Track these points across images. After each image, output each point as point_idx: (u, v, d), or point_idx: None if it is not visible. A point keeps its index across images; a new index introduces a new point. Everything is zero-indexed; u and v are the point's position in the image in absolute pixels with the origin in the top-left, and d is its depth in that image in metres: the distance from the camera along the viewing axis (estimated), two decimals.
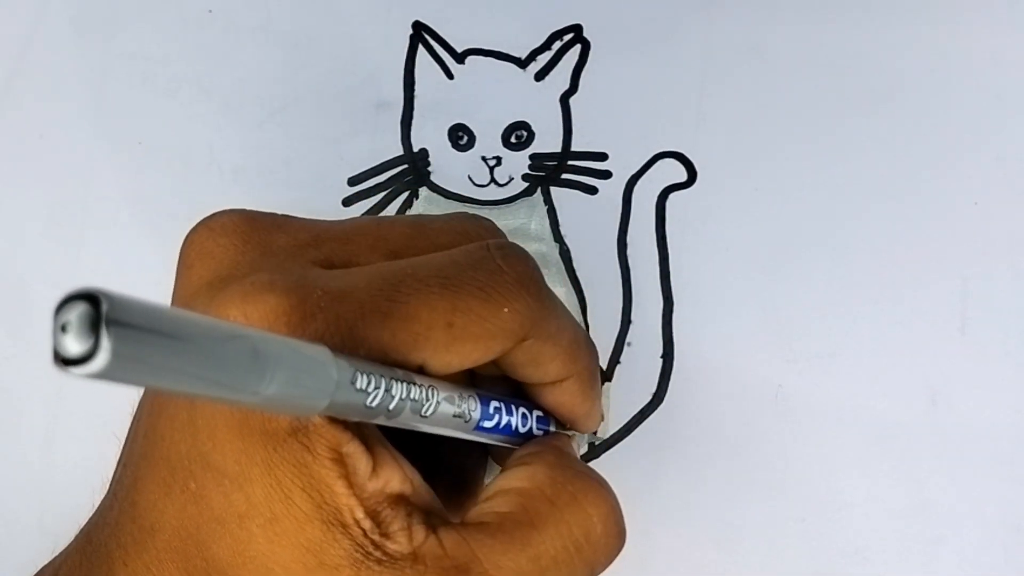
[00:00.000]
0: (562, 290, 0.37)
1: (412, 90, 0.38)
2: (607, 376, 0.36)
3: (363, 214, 0.38)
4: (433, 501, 0.25)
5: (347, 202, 0.38)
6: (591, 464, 0.35)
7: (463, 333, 0.24)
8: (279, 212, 0.27)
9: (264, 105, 0.38)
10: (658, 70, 0.38)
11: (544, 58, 0.38)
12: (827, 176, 0.37)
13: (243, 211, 0.26)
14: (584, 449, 0.35)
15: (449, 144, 0.38)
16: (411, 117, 0.38)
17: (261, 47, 0.39)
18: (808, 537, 0.35)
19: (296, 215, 0.27)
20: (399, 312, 0.23)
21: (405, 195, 0.38)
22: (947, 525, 0.34)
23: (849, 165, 0.37)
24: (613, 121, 0.37)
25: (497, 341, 0.25)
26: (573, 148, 0.37)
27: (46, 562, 0.28)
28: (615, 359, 0.36)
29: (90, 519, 0.28)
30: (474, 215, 0.28)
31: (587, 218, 0.37)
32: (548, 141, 0.37)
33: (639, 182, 0.37)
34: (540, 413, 0.29)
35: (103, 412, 0.34)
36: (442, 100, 0.38)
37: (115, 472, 0.27)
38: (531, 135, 0.37)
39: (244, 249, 0.25)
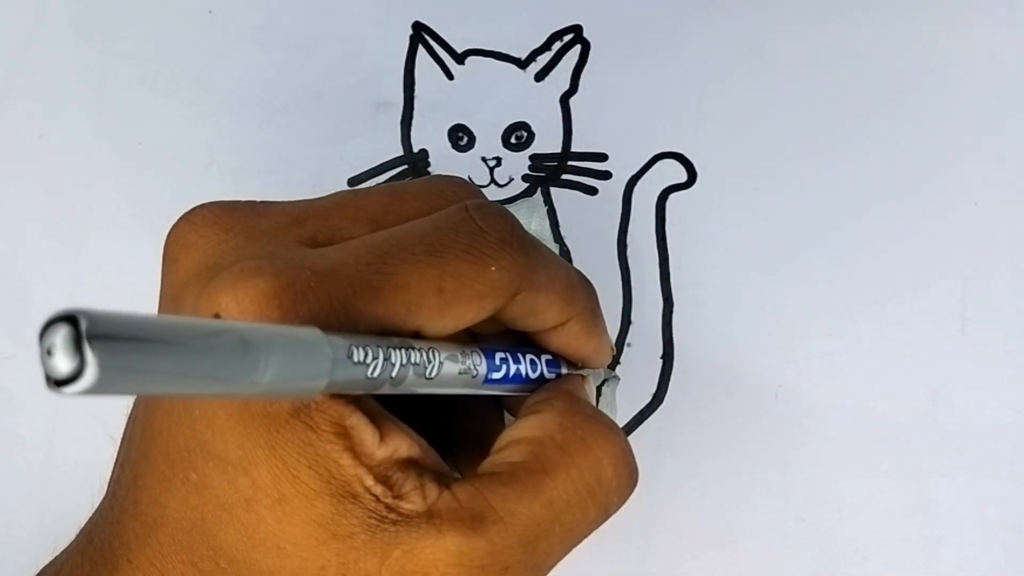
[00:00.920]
0: None
1: (412, 90, 0.38)
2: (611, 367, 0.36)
3: None
4: (442, 465, 0.25)
5: None
6: None
7: (454, 297, 0.24)
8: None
9: (264, 105, 0.38)
10: (658, 70, 0.38)
11: (544, 58, 0.38)
12: (827, 176, 0.37)
13: (221, 202, 0.26)
14: (600, 380, 0.35)
15: (449, 144, 0.38)
16: (411, 117, 0.38)
17: (261, 47, 0.39)
18: (808, 537, 0.35)
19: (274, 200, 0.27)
20: (389, 284, 0.24)
21: None
22: (947, 525, 0.34)
23: (849, 165, 0.37)
24: (613, 121, 0.37)
25: (489, 300, 0.25)
26: (573, 148, 0.37)
27: (46, 562, 0.28)
28: (615, 359, 0.36)
29: (90, 519, 0.28)
30: (448, 176, 0.29)
31: (587, 218, 0.37)
32: (548, 142, 0.37)
33: (639, 182, 0.37)
34: (549, 357, 0.29)
35: (103, 413, 0.34)
36: (442, 100, 0.38)
37: (113, 472, 0.27)
38: (531, 135, 0.37)
39: (226, 237, 0.25)
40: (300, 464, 0.23)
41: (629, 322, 0.36)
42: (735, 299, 0.36)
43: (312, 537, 0.23)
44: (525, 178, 0.37)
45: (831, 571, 0.34)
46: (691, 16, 0.38)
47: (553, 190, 0.37)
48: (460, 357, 0.26)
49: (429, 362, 0.24)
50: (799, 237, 0.36)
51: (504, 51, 0.38)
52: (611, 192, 0.37)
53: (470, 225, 0.25)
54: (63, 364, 0.15)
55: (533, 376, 0.28)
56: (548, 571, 0.26)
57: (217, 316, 0.22)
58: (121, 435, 0.28)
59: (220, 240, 0.25)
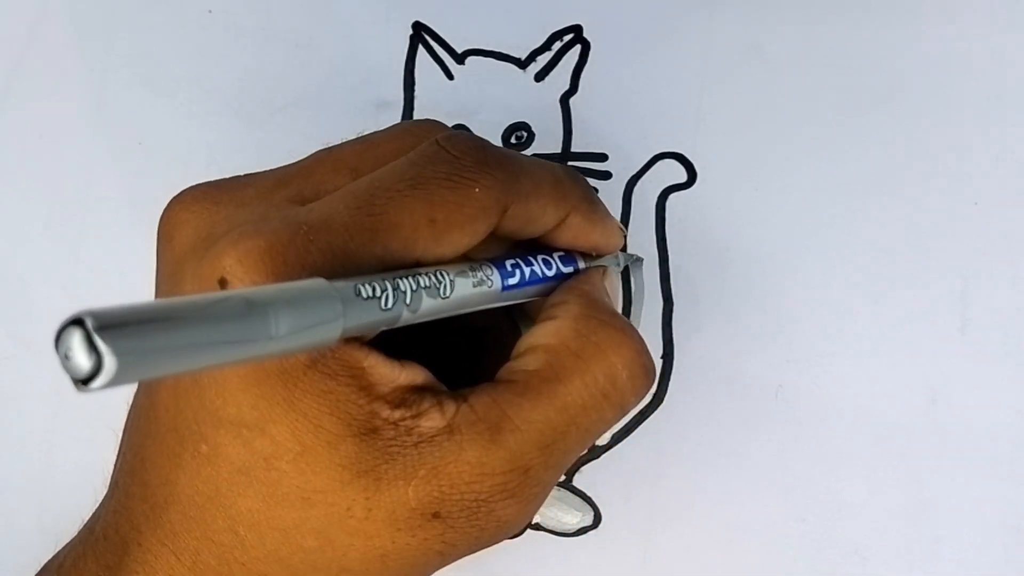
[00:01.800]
0: None
1: (412, 90, 0.38)
2: None
3: None
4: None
5: None
6: (590, 465, 0.35)
7: (446, 224, 0.25)
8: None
9: (264, 105, 0.38)
10: (658, 70, 0.38)
11: (544, 58, 0.38)
12: (827, 176, 0.37)
13: (207, 182, 0.27)
14: (623, 266, 0.35)
15: None
16: (411, 117, 0.38)
17: (261, 47, 0.39)
18: (808, 537, 0.35)
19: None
20: (383, 223, 0.24)
21: None
22: (947, 525, 0.34)
23: (849, 165, 0.37)
24: (613, 121, 0.37)
25: (480, 220, 0.26)
26: (573, 149, 0.37)
27: (46, 561, 0.28)
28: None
29: (93, 513, 0.28)
30: (416, 119, 0.29)
31: None
32: (548, 142, 0.37)
33: (639, 182, 0.37)
34: (562, 253, 0.29)
35: (103, 412, 0.34)
36: (442, 100, 0.38)
37: (116, 462, 0.27)
38: (531, 135, 0.37)
39: (216, 210, 0.26)
40: (321, 412, 0.23)
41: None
42: (735, 299, 0.36)
43: (337, 481, 0.23)
44: None
45: (831, 571, 0.34)
46: (691, 16, 0.38)
47: None
48: (470, 272, 0.26)
49: (440, 282, 0.25)
50: (799, 237, 0.36)
51: (504, 51, 0.38)
52: (611, 192, 0.37)
53: (445, 155, 0.26)
54: (82, 363, 0.15)
55: (549, 274, 0.29)
56: (568, 465, 0.27)
57: (223, 280, 0.23)
58: (123, 426, 0.28)
59: (211, 213, 0.26)
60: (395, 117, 0.38)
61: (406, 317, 0.24)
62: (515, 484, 0.25)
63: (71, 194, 0.38)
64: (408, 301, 0.23)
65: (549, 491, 0.27)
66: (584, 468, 0.36)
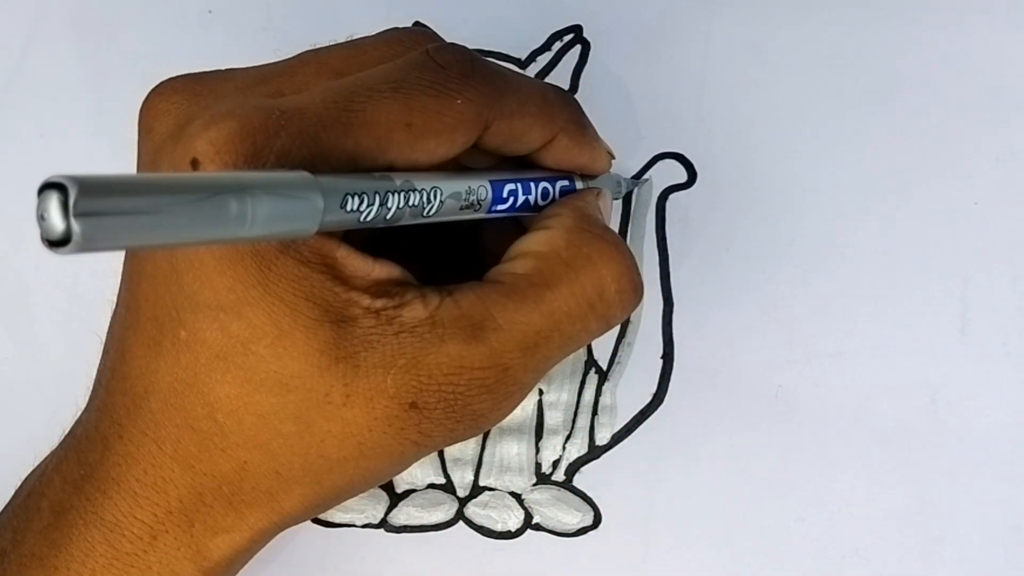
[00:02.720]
0: None
1: None
2: (605, 376, 0.36)
3: None
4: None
5: None
6: (590, 465, 0.35)
7: (423, 130, 0.25)
8: None
9: None
10: (658, 70, 0.38)
11: (544, 58, 0.38)
12: (827, 176, 0.37)
13: (187, 74, 0.27)
14: (623, 190, 0.35)
15: None
16: None
17: (261, 47, 0.39)
18: (808, 537, 0.35)
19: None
20: (357, 120, 0.24)
21: None
22: (947, 525, 0.34)
23: (849, 165, 0.37)
24: (613, 121, 0.37)
25: (459, 132, 0.26)
26: None
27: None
28: (615, 359, 0.36)
29: (75, 421, 0.28)
30: (406, 27, 0.29)
31: None
32: None
33: (639, 182, 0.37)
34: (564, 182, 0.29)
35: None
36: None
37: (99, 367, 0.27)
38: None
39: (196, 100, 0.26)
40: (297, 297, 0.23)
41: (629, 322, 0.36)
42: (735, 299, 0.36)
43: (315, 366, 0.24)
44: None
45: (831, 571, 0.34)
46: (691, 16, 0.38)
47: None
48: (464, 195, 0.26)
49: (429, 202, 0.25)
50: (799, 237, 0.36)
51: (504, 51, 0.38)
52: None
53: (431, 64, 0.26)
54: (56, 225, 0.16)
55: (543, 204, 0.29)
56: (548, 370, 0.27)
57: (194, 161, 0.23)
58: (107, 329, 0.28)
59: (190, 103, 0.26)
60: None
61: (379, 225, 0.24)
62: (493, 380, 0.25)
63: None
64: (388, 217, 0.23)
65: (527, 392, 0.27)
66: (584, 468, 0.36)
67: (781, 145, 0.37)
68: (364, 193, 0.23)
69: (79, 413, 0.28)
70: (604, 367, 0.36)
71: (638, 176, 0.37)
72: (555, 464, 0.35)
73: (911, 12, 0.37)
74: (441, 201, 0.25)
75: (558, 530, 0.35)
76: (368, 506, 0.35)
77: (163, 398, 0.25)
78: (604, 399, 0.36)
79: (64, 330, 0.37)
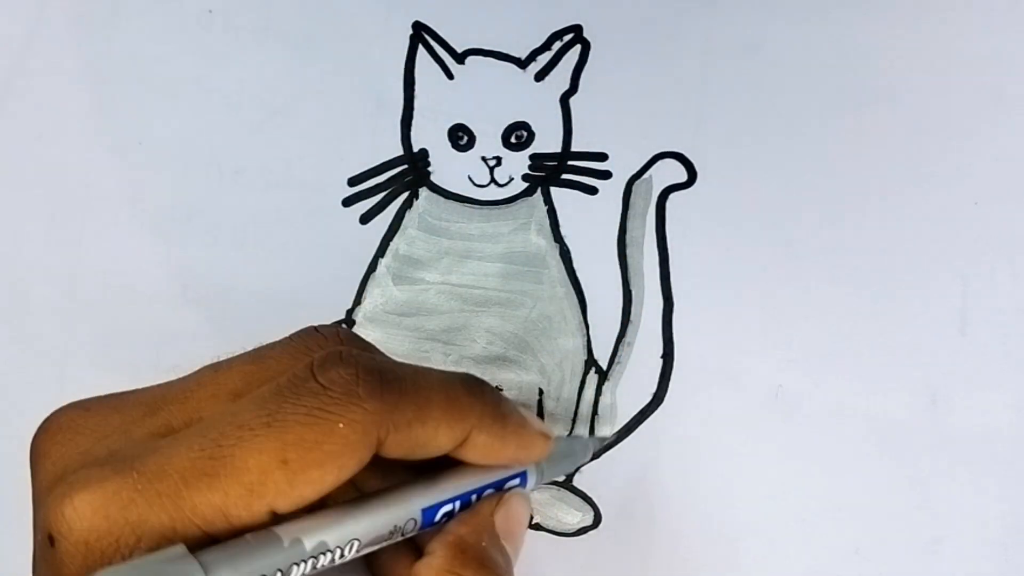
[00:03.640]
0: (562, 290, 0.37)
1: (412, 90, 0.38)
2: (605, 376, 0.36)
3: (363, 214, 0.38)
4: None
5: (347, 202, 0.38)
6: (590, 465, 0.35)
7: (301, 465, 0.23)
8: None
9: (264, 105, 0.38)
10: (658, 70, 0.38)
11: (544, 58, 0.38)
12: (827, 176, 0.37)
13: (79, 402, 0.26)
14: (573, 466, 0.35)
15: (449, 144, 0.38)
16: (411, 117, 0.38)
17: (261, 47, 0.39)
18: (808, 537, 0.35)
19: (134, 390, 0.27)
20: (225, 469, 0.23)
21: (405, 195, 0.38)
22: (947, 525, 0.34)
23: (849, 165, 0.37)
24: (613, 121, 0.37)
25: (346, 457, 0.24)
26: (573, 148, 0.37)
27: None
28: (615, 359, 0.36)
29: None
30: (321, 326, 0.27)
31: (587, 218, 0.37)
32: (548, 141, 0.37)
33: (639, 182, 0.37)
34: (514, 482, 0.28)
35: None
36: (442, 100, 0.38)
37: None
38: (531, 135, 0.37)
39: (78, 441, 0.25)
40: None
41: (629, 322, 0.36)
42: (735, 299, 0.36)
43: None
44: (525, 178, 0.37)
45: (831, 571, 0.34)
46: (691, 16, 0.38)
47: (553, 190, 0.37)
48: (388, 536, 0.25)
49: (342, 556, 0.24)
50: (799, 237, 0.36)
51: (504, 51, 0.38)
52: (611, 192, 0.37)
53: (311, 386, 0.24)
54: None
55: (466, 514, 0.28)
56: None
57: (50, 538, 0.23)
58: None
59: (72, 446, 0.25)
60: (395, 117, 0.38)
61: None
62: None
63: (71, 194, 0.38)
64: None
65: None
66: (584, 468, 0.36)
67: (781, 145, 0.37)
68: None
69: None
70: (604, 367, 0.36)
71: (638, 176, 0.37)
72: None
73: (911, 12, 0.37)
74: (357, 551, 0.24)
75: (558, 530, 0.35)
76: None
77: None
78: (604, 399, 0.36)
79: (64, 330, 0.37)
